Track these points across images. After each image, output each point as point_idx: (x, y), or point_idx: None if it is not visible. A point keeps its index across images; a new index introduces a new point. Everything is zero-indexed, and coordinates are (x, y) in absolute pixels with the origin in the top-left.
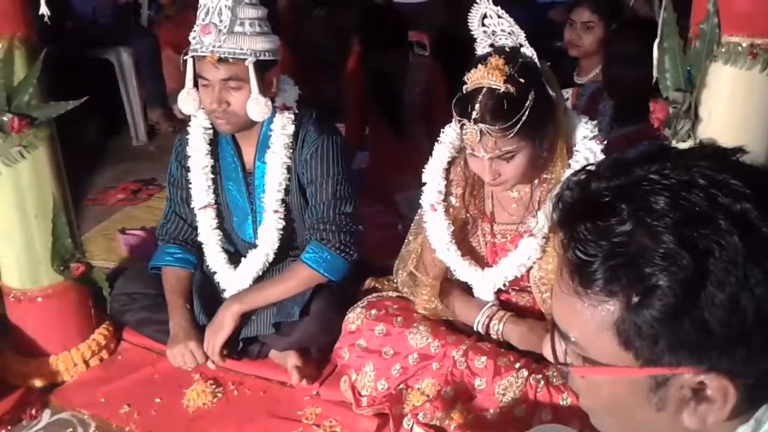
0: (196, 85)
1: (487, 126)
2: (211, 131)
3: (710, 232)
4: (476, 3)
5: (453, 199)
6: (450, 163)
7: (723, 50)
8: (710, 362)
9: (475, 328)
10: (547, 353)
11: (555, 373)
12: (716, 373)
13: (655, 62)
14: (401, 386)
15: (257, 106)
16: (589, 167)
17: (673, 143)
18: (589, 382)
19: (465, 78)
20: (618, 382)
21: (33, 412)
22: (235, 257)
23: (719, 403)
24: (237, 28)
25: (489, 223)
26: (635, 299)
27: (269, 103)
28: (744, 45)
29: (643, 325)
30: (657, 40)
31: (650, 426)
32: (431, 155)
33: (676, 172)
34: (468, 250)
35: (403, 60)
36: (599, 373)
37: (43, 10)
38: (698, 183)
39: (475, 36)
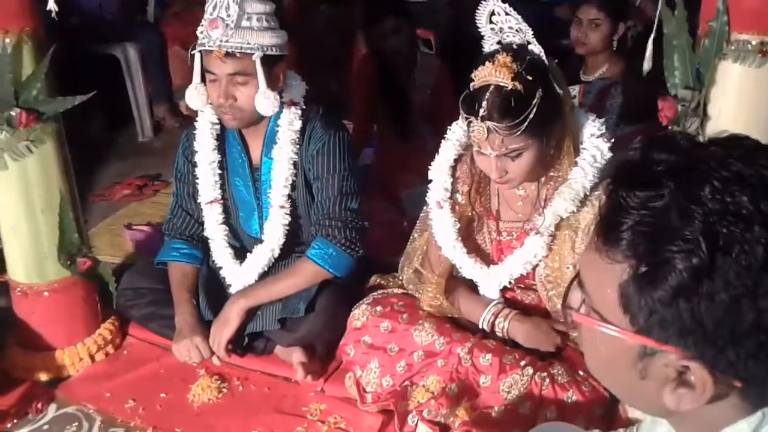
0: (203, 80)
1: (495, 123)
2: (218, 126)
3: (739, 233)
4: (484, 1)
5: (459, 197)
6: (456, 161)
7: (732, 48)
8: (696, 351)
9: (480, 326)
10: (569, 298)
11: (560, 371)
12: (700, 363)
13: (647, 56)
14: (406, 383)
15: (266, 101)
16: (662, 134)
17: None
18: (590, 333)
19: (472, 75)
20: (613, 341)
21: (39, 406)
22: (241, 253)
23: (698, 391)
24: (244, 23)
25: (495, 221)
26: (643, 269)
27: (278, 97)
28: (754, 43)
29: (643, 295)
30: (652, 36)
31: (634, 389)
32: (437, 152)
33: (737, 163)
34: (474, 248)
35: (410, 49)
36: (596, 325)
37: (51, 5)
38: (751, 182)
39: (482, 33)
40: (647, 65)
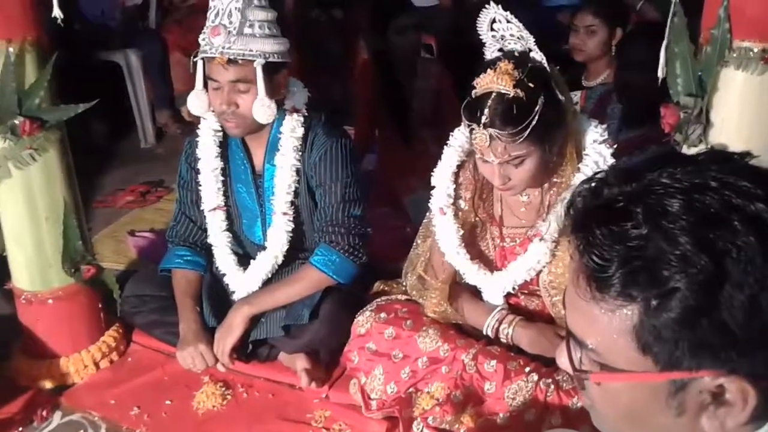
0: (205, 86)
1: (497, 131)
2: (220, 133)
3: (726, 233)
4: (485, 7)
5: (462, 203)
6: (459, 167)
7: (734, 55)
8: (730, 364)
9: (484, 332)
10: (564, 363)
11: (565, 378)
12: (736, 376)
13: (661, 63)
14: (411, 390)
15: (263, 108)
16: (598, 175)
17: (684, 148)
18: (607, 390)
19: (474, 83)
20: (636, 388)
21: (43, 413)
22: (244, 259)
23: (739, 406)
24: (246, 30)
25: (498, 227)
26: (654, 303)
27: (273, 105)
28: (756, 50)
29: (662, 328)
30: (665, 42)
31: (668, 430)
32: (440, 158)
33: (687, 175)
34: (477, 254)
35: (413, 52)
36: (617, 379)
37: (56, 12)
38: (710, 185)
39: (483, 40)
40: (662, 72)
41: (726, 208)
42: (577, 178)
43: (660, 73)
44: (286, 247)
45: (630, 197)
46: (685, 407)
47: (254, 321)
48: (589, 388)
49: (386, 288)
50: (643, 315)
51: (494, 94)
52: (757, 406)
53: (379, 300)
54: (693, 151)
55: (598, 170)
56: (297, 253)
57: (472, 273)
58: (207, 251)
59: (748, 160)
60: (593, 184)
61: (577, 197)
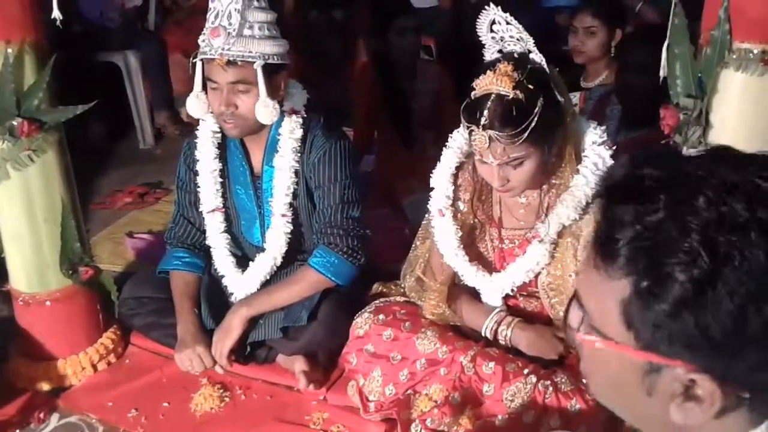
0: (205, 88)
1: (496, 132)
2: (219, 135)
3: (737, 240)
4: (485, 9)
5: (461, 204)
6: (458, 168)
7: (734, 57)
8: (704, 364)
9: (483, 334)
10: (569, 319)
11: (564, 379)
12: (708, 376)
13: (663, 63)
14: (409, 391)
15: (265, 109)
16: (645, 153)
17: (684, 150)
18: (593, 353)
19: (474, 84)
20: (616, 359)
21: (41, 415)
22: (243, 261)
23: (706, 404)
24: (246, 32)
25: (497, 229)
26: (645, 284)
27: (277, 106)
28: (756, 52)
29: (647, 310)
30: (666, 43)
31: (640, 408)
32: (439, 159)
33: (726, 174)
34: (476, 256)
35: (413, 53)
36: (599, 344)
37: (56, 14)
38: (744, 191)
39: (483, 42)
40: (663, 72)
41: (749, 217)
42: (576, 180)
43: (662, 74)
44: (284, 249)
45: (662, 182)
46: (656, 390)
47: (252, 323)
48: (583, 351)
49: (385, 290)
50: (633, 292)
51: (493, 95)
52: (726, 408)
53: (377, 302)
54: (692, 152)
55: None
56: (295, 254)
57: (471, 274)
58: (205, 253)
59: None
60: (636, 160)
61: (619, 167)
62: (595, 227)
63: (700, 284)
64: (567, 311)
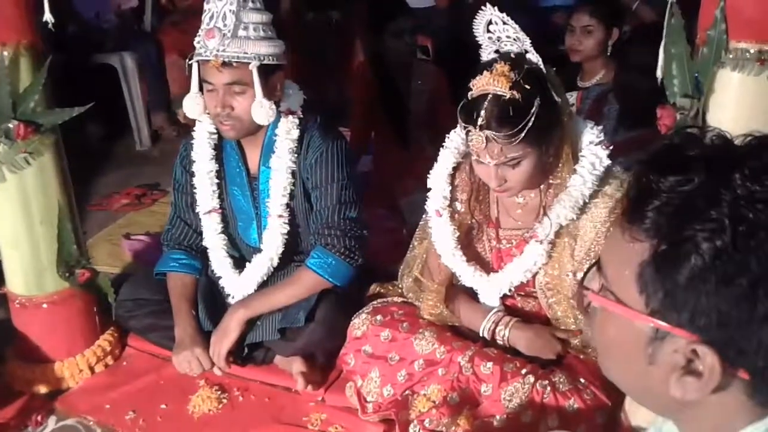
0: (201, 89)
1: (493, 133)
2: (215, 136)
3: (766, 219)
4: (481, 9)
5: (458, 205)
6: (455, 169)
7: (731, 56)
8: (708, 336)
9: (481, 334)
10: (585, 280)
11: (562, 379)
12: (710, 348)
13: (660, 63)
14: (407, 392)
15: (261, 110)
16: (701, 131)
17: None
18: (603, 315)
19: (470, 84)
20: (624, 322)
21: (38, 418)
22: (240, 262)
23: (705, 379)
24: (241, 33)
25: (494, 229)
26: (664, 248)
27: (273, 106)
28: (752, 51)
29: (661, 275)
30: (663, 42)
31: (640, 379)
32: (436, 159)
33: (766, 158)
34: (473, 256)
35: (409, 54)
36: (610, 305)
37: (47, 17)
38: None
39: (480, 42)
40: (660, 72)
41: None
42: (574, 180)
43: (659, 74)
44: (281, 250)
45: (703, 157)
46: (656, 358)
47: (250, 324)
48: (595, 317)
49: (382, 290)
50: (652, 255)
51: (490, 95)
52: (724, 387)
53: (375, 302)
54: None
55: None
56: (293, 255)
57: (469, 275)
58: (202, 254)
59: None
60: (689, 137)
61: (677, 136)
62: (628, 190)
63: (718, 255)
64: (586, 274)
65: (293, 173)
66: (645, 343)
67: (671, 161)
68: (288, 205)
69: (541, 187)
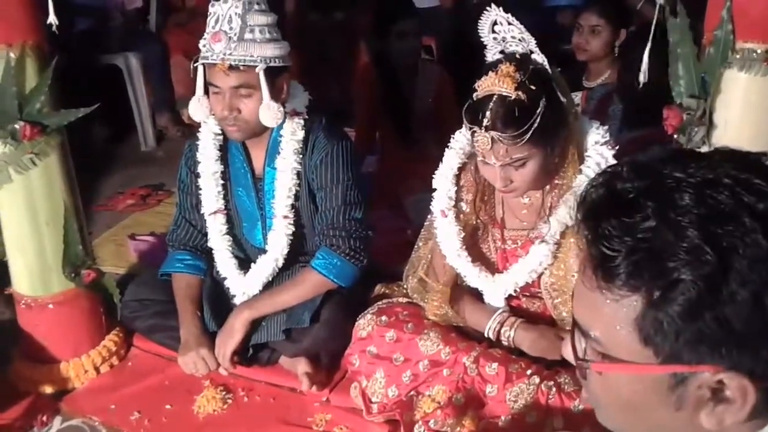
0: (206, 92)
1: (499, 133)
2: (221, 137)
3: (734, 229)
4: (486, 9)
5: (463, 205)
6: (460, 169)
7: (738, 57)
8: (731, 361)
9: (485, 335)
10: (567, 352)
11: (567, 380)
12: (736, 373)
13: (644, 68)
14: (412, 393)
15: (269, 112)
16: (612, 168)
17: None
18: (607, 381)
19: (476, 85)
20: (637, 380)
21: (44, 418)
22: (245, 263)
23: (738, 403)
24: (247, 36)
25: (500, 229)
26: (657, 293)
27: (280, 108)
28: (759, 51)
29: (664, 320)
30: (648, 45)
31: (667, 425)
32: (441, 160)
33: (700, 171)
34: (478, 256)
35: (414, 54)
36: (618, 369)
37: (52, 18)
38: (723, 182)
39: (485, 43)
40: (643, 77)
41: (737, 204)
42: (579, 180)
43: (642, 78)
44: (286, 251)
45: (642, 190)
46: (684, 402)
47: (255, 325)
48: (591, 379)
49: (387, 291)
50: (646, 306)
51: (496, 96)
52: (757, 404)
53: (380, 303)
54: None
55: (612, 165)
56: (298, 256)
57: (474, 275)
58: (207, 255)
59: (764, 159)
60: (607, 177)
61: (590, 188)
62: (586, 251)
63: (712, 279)
64: (572, 345)
65: (298, 174)
66: (666, 392)
67: (615, 205)
68: (293, 206)
69: (547, 187)
